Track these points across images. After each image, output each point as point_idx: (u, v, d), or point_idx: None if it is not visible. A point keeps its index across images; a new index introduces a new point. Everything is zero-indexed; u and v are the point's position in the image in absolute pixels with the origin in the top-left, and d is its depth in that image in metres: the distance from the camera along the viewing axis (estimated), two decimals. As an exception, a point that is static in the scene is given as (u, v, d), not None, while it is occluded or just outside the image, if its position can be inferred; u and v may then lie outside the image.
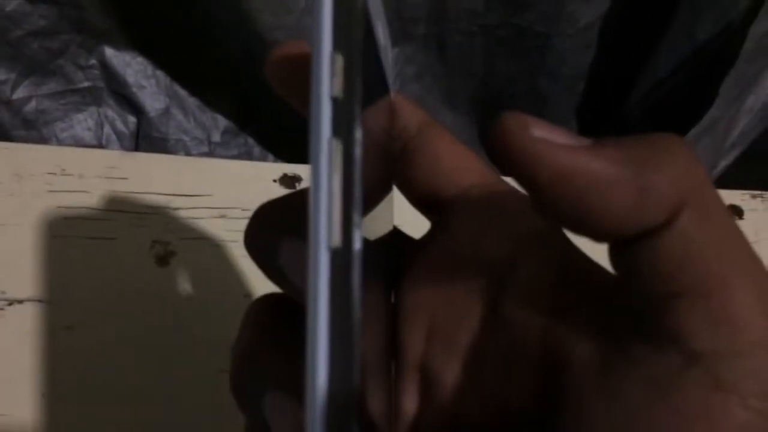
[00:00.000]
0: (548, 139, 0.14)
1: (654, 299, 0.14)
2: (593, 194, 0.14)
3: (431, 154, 0.19)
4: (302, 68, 0.17)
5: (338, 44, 0.13)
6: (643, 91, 0.56)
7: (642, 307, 0.15)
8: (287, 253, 0.16)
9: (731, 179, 0.59)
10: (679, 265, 0.14)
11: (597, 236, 0.14)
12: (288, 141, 0.58)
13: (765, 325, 0.13)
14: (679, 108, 0.54)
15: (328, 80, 0.13)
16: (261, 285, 0.40)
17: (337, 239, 0.13)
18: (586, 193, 0.14)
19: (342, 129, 0.13)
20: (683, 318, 0.14)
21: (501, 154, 0.14)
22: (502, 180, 0.19)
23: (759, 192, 0.46)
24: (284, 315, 0.18)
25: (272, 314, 0.19)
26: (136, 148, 0.56)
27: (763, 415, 0.13)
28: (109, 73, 0.54)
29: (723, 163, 0.60)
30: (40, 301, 0.36)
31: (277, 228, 0.17)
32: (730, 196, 0.46)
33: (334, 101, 0.13)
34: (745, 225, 0.45)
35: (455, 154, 0.19)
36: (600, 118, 0.59)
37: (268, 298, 0.19)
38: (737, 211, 0.45)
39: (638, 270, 0.14)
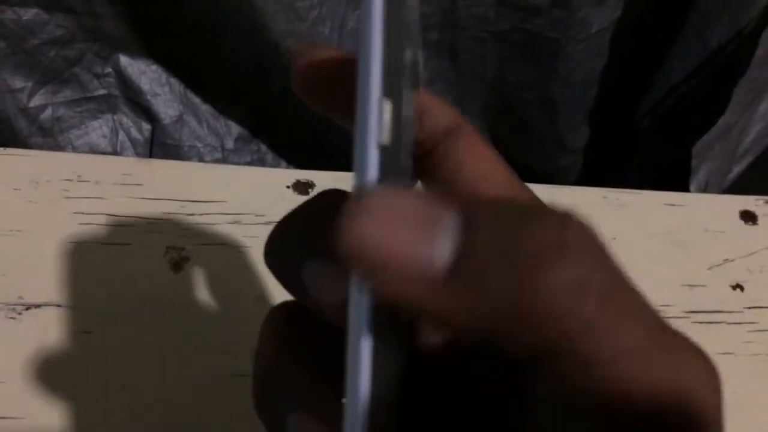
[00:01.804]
0: (383, 254, 0.12)
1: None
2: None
3: (455, 163, 0.18)
4: (329, 75, 0.16)
5: (387, 90, 0.13)
6: (655, 97, 0.56)
7: None
8: (311, 272, 0.16)
9: (745, 185, 0.59)
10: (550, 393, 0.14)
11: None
12: (301, 148, 0.59)
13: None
14: (691, 114, 0.54)
15: (376, 130, 0.13)
16: (274, 290, 0.40)
17: None
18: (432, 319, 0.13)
19: (389, 176, 0.13)
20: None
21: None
22: (527, 191, 0.19)
23: (773, 197, 0.46)
24: (305, 326, 0.18)
25: (293, 326, 0.18)
26: (150, 155, 0.57)
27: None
28: (124, 81, 0.55)
29: (736, 169, 0.60)
30: (57, 305, 0.36)
31: (299, 245, 0.17)
32: (743, 202, 0.46)
33: (382, 149, 0.13)
34: (759, 230, 0.45)
35: (480, 163, 0.18)
36: (612, 124, 0.59)
37: (286, 308, 0.19)
38: (751, 217, 0.45)
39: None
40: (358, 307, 0.13)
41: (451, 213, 0.12)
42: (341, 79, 0.16)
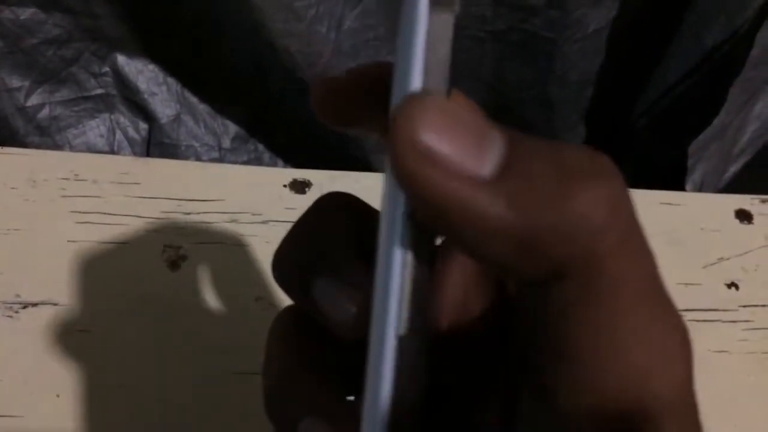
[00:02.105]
0: (435, 150, 0.12)
1: (526, 350, 0.15)
2: (469, 233, 0.12)
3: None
4: (350, 92, 0.16)
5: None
6: (651, 96, 0.56)
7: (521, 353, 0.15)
8: (321, 289, 0.16)
9: (740, 184, 0.59)
10: (550, 324, 0.13)
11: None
12: (298, 147, 0.59)
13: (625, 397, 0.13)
14: (687, 114, 0.54)
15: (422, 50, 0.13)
16: (272, 289, 0.40)
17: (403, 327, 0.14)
18: (462, 229, 0.12)
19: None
20: (551, 377, 0.14)
21: (389, 157, 0.12)
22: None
23: (767, 197, 0.46)
24: (314, 331, 0.18)
25: (301, 331, 0.18)
26: (148, 154, 0.57)
27: None
28: (121, 81, 0.55)
29: (732, 169, 0.60)
30: (54, 304, 0.36)
31: (308, 260, 0.17)
32: (739, 201, 0.46)
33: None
34: (754, 229, 0.45)
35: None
36: (608, 124, 0.60)
37: (293, 312, 0.19)
38: (746, 216, 0.45)
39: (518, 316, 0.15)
40: (379, 321, 0.14)
41: (498, 130, 0.13)
42: (362, 90, 0.16)
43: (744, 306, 0.42)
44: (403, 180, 0.12)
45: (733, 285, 0.42)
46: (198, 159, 0.57)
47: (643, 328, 0.13)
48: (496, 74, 0.55)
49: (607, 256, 0.13)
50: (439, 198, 0.12)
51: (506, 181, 0.12)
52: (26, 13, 0.49)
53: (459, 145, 0.12)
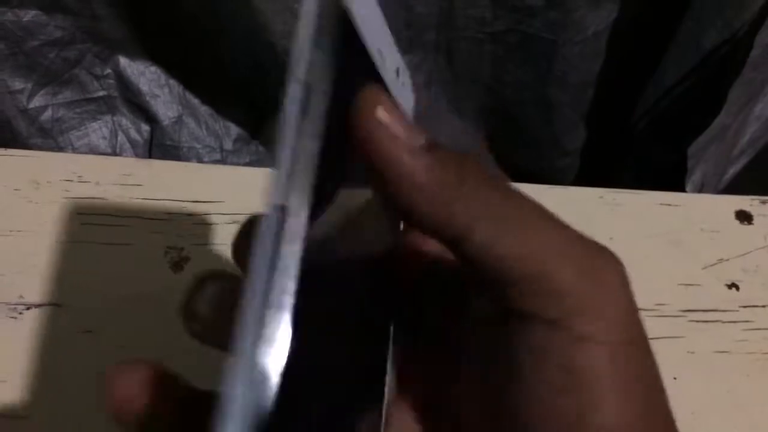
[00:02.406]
0: (388, 126, 0.17)
1: (491, 290, 0.18)
2: (404, 188, 0.17)
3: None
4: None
5: None
6: (651, 98, 0.56)
7: (489, 296, 0.18)
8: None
9: (740, 185, 0.59)
10: (488, 264, 0.17)
11: (422, 231, 0.18)
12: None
13: (585, 290, 0.17)
14: (687, 115, 0.55)
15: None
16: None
17: None
18: (398, 184, 0.17)
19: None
20: (523, 300, 0.17)
21: (351, 129, 0.17)
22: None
23: (767, 197, 0.46)
24: None
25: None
26: (149, 156, 0.57)
27: (611, 345, 0.17)
28: (123, 83, 0.55)
29: (732, 170, 0.60)
30: (57, 305, 0.37)
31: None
32: (738, 202, 0.46)
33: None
34: (754, 230, 0.45)
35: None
36: (608, 125, 0.60)
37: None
38: (746, 217, 0.45)
39: (469, 265, 0.18)
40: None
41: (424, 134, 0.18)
42: None
43: (744, 306, 0.42)
44: (363, 141, 0.17)
45: (733, 285, 0.43)
46: (200, 161, 0.57)
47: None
48: (496, 76, 0.55)
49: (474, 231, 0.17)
50: (384, 153, 0.17)
51: (431, 153, 0.17)
52: (29, 16, 0.49)
53: (400, 122, 0.17)
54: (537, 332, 0.17)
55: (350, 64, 0.17)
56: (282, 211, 0.15)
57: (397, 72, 0.21)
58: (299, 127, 0.15)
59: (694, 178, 0.55)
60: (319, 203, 0.15)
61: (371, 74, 0.19)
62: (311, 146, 0.15)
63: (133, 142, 0.57)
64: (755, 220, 0.45)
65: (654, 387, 0.18)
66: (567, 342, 0.17)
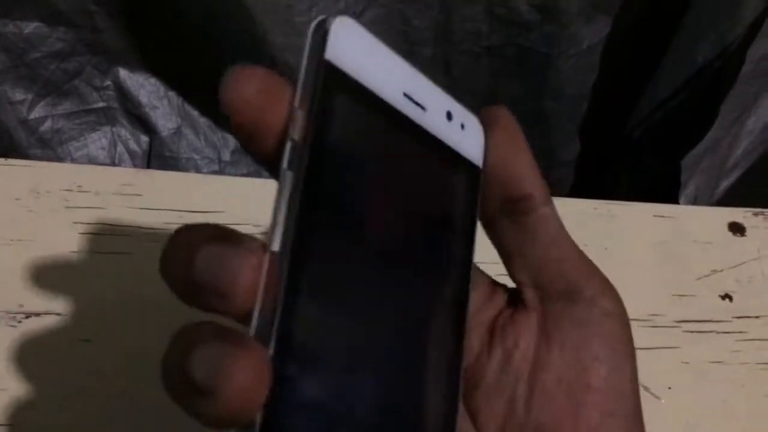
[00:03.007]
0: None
1: (549, 265, 0.22)
2: None
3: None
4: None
5: None
6: (644, 111, 0.57)
7: (541, 277, 0.22)
8: (210, 258, 0.16)
9: (734, 198, 0.60)
10: (557, 235, 0.23)
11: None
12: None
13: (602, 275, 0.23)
14: (680, 128, 0.55)
15: None
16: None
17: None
18: None
19: None
20: (572, 277, 0.22)
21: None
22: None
23: (760, 210, 0.47)
24: None
25: None
26: (148, 166, 0.58)
27: (623, 316, 0.22)
28: (122, 94, 0.55)
29: (725, 183, 0.61)
30: (57, 314, 0.37)
31: (198, 240, 0.17)
32: (731, 214, 0.47)
33: None
34: (747, 242, 0.45)
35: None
36: (602, 137, 0.60)
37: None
38: (739, 229, 0.46)
39: (532, 241, 0.22)
40: None
41: None
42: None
43: (737, 317, 0.42)
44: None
45: (726, 296, 0.43)
46: (198, 171, 0.58)
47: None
48: (492, 88, 0.56)
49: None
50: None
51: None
52: (30, 27, 0.49)
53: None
54: (577, 310, 0.22)
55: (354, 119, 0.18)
56: None
57: (449, 115, 0.21)
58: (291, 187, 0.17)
59: (688, 190, 0.55)
60: None
61: (400, 124, 0.19)
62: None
63: (132, 153, 0.57)
64: (748, 232, 0.46)
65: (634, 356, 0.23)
66: (598, 314, 0.22)
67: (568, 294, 0.22)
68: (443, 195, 0.21)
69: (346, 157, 0.17)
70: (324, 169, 0.17)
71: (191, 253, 0.16)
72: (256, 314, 0.16)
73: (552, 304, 0.22)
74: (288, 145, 0.17)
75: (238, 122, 0.17)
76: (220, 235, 0.17)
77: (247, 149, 0.18)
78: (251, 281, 0.16)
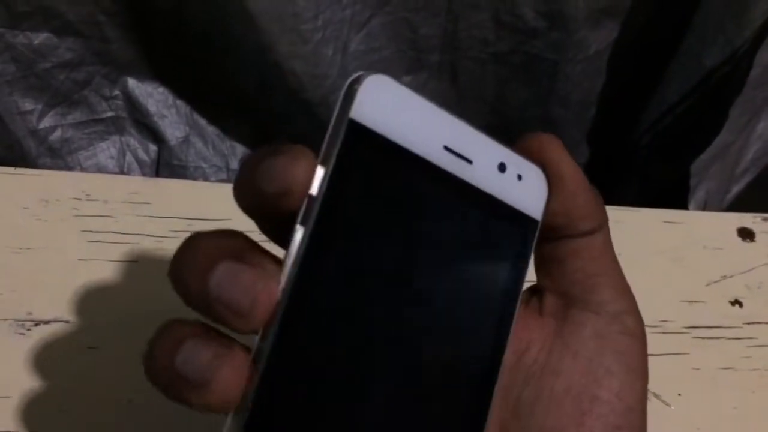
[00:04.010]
0: None
1: (584, 278, 0.22)
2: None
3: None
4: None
5: None
6: (652, 116, 0.57)
7: (571, 288, 0.22)
8: (230, 276, 0.17)
9: (743, 203, 0.59)
10: (600, 253, 0.23)
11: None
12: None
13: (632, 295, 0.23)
14: (689, 133, 0.55)
15: None
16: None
17: None
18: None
19: None
20: (604, 291, 0.22)
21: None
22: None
23: (770, 215, 0.46)
24: None
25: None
26: (157, 175, 0.58)
27: (643, 339, 0.23)
28: (131, 104, 0.56)
29: (735, 189, 0.61)
30: (65, 321, 0.37)
31: (217, 253, 0.17)
32: (741, 219, 0.46)
33: None
34: (757, 247, 0.45)
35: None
36: (610, 144, 0.60)
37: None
38: (749, 234, 0.46)
39: (574, 256, 0.22)
40: None
41: None
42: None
43: (748, 323, 0.42)
44: None
45: (736, 302, 0.43)
46: (206, 180, 0.58)
47: None
48: (499, 95, 0.56)
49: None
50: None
51: None
52: (39, 38, 0.50)
53: None
54: (599, 322, 0.22)
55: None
56: None
57: (502, 167, 0.20)
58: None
59: (698, 196, 0.55)
60: None
61: (437, 179, 0.19)
62: None
63: (140, 162, 0.58)
64: (758, 238, 0.45)
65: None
66: (618, 331, 0.22)
67: (592, 305, 0.22)
68: (485, 250, 0.20)
69: (367, 213, 0.18)
70: (336, 223, 0.17)
71: (209, 265, 0.17)
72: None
73: (574, 313, 0.22)
74: (305, 202, 0.17)
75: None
76: (240, 251, 0.17)
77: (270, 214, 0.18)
78: (269, 304, 0.16)
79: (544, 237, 0.22)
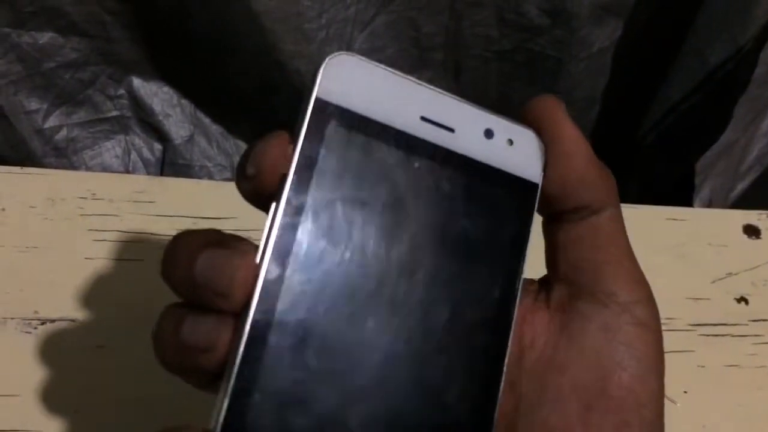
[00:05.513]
0: None
1: (590, 265, 0.21)
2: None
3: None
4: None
5: None
6: (657, 114, 0.57)
7: (578, 278, 0.22)
8: (208, 260, 0.18)
9: (748, 201, 0.59)
10: (607, 239, 0.21)
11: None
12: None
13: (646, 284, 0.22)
14: (693, 131, 0.55)
15: None
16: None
17: None
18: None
19: None
20: (613, 281, 0.21)
21: None
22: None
23: (775, 212, 0.46)
24: None
25: None
26: (162, 174, 0.58)
27: (657, 331, 0.22)
28: (136, 103, 0.56)
29: (740, 186, 0.60)
30: (71, 320, 0.37)
31: (197, 245, 0.19)
32: (747, 216, 0.46)
33: None
34: (762, 244, 0.45)
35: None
36: (614, 141, 0.60)
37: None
38: (754, 231, 0.46)
39: (578, 241, 0.21)
40: None
41: None
42: None
43: (753, 320, 0.42)
44: None
45: (742, 299, 0.43)
46: (211, 179, 0.58)
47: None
48: (503, 93, 0.56)
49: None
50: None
51: None
52: (45, 38, 0.50)
53: None
54: (607, 315, 0.21)
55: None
56: None
57: (489, 133, 0.20)
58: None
59: (703, 194, 0.55)
60: None
61: (414, 148, 0.19)
62: None
63: (145, 161, 0.58)
64: (763, 235, 0.45)
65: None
66: (628, 323, 0.21)
67: (600, 296, 0.21)
68: (479, 218, 0.20)
69: (344, 186, 0.18)
70: (308, 197, 0.18)
71: (192, 256, 0.18)
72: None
73: (581, 305, 0.21)
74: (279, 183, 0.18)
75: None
76: (217, 240, 0.19)
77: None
78: (246, 280, 0.18)
79: (546, 217, 0.22)
